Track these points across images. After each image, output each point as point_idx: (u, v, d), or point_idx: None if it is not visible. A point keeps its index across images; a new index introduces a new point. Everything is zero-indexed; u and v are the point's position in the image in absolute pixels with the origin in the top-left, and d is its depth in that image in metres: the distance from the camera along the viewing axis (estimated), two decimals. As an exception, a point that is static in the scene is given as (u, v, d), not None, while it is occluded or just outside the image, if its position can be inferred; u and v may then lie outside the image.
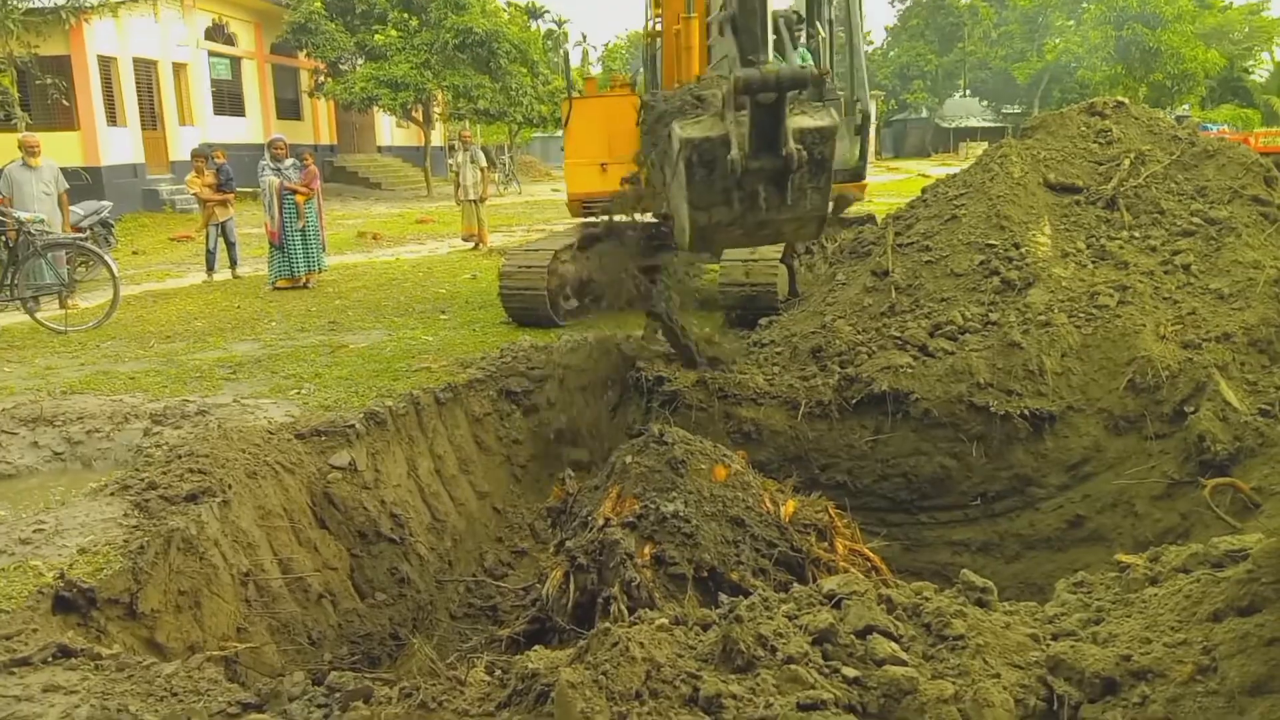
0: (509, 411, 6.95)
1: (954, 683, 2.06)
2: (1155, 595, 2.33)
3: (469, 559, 6.27)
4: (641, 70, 10.58)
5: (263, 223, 12.30)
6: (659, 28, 9.89)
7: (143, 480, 4.75)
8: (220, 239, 13.16)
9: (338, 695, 2.84)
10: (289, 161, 12.07)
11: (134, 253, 17.06)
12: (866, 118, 10.17)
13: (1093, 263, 6.46)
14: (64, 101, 20.76)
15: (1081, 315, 5.99)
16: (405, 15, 28.96)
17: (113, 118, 22.74)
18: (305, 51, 28.52)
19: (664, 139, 4.31)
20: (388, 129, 36.09)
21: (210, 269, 13.19)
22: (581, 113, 9.75)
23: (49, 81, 19.79)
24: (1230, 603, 2.03)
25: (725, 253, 8.86)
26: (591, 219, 9.85)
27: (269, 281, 12.04)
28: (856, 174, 10.17)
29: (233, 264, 13.37)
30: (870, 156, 10.84)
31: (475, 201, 15.59)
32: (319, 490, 5.48)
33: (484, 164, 15.93)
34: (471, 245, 15.87)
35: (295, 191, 11.85)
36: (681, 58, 9.38)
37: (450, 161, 16.45)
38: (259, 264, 12.97)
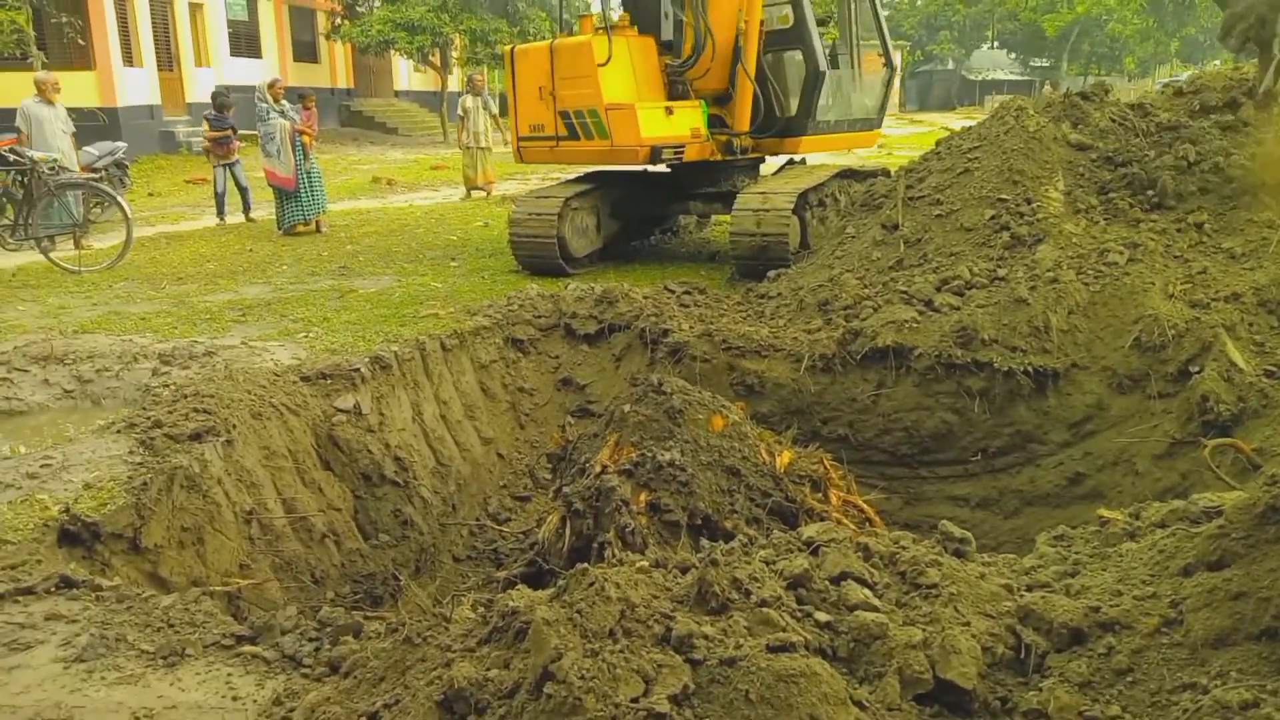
0: (515, 359, 6.99)
1: (923, 629, 2.10)
2: (1131, 550, 2.35)
3: (473, 503, 6.34)
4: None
5: (263, 169, 12.14)
6: None
7: (149, 419, 4.82)
8: (230, 182, 13.10)
9: (328, 629, 2.91)
10: (286, 104, 11.92)
11: (149, 194, 17.10)
12: (893, 70, 10.46)
13: (1104, 219, 6.39)
14: (80, 41, 20.64)
15: (1090, 272, 5.94)
16: (424, -43, 28.58)
17: (129, 58, 22.63)
18: (322, -7, 28.25)
19: None
20: (405, 73, 35.77)
21: (220, 213, 13.16)
22: (618, 50, 9.04)
23: (64, 20, 19.67)
24: (1200, 557, 2.05)
25: (737, 203, 8.80)
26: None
27: (280, 227, 12.00)
28: (874, 123, 10.42)
29: (246, 209, 13.32)
30: (891, 108, 11.18)
31: (485, 149, 15.42)
32: (324, 432, 5.54)
33: (495, 110, 15.76)
34: (483, 194, 15.72)
35: (304, 133, 11.76)
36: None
37: (460, 109, 16.04)
38: (272, 207, 12.96)
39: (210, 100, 13.66)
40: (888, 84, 10.59)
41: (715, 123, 9.67)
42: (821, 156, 11.28)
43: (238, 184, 13.10)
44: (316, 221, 12.06)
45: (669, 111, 9.13)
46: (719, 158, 9.67)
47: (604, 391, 6.73)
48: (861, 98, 10.28)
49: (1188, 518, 2.42)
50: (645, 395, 4.71)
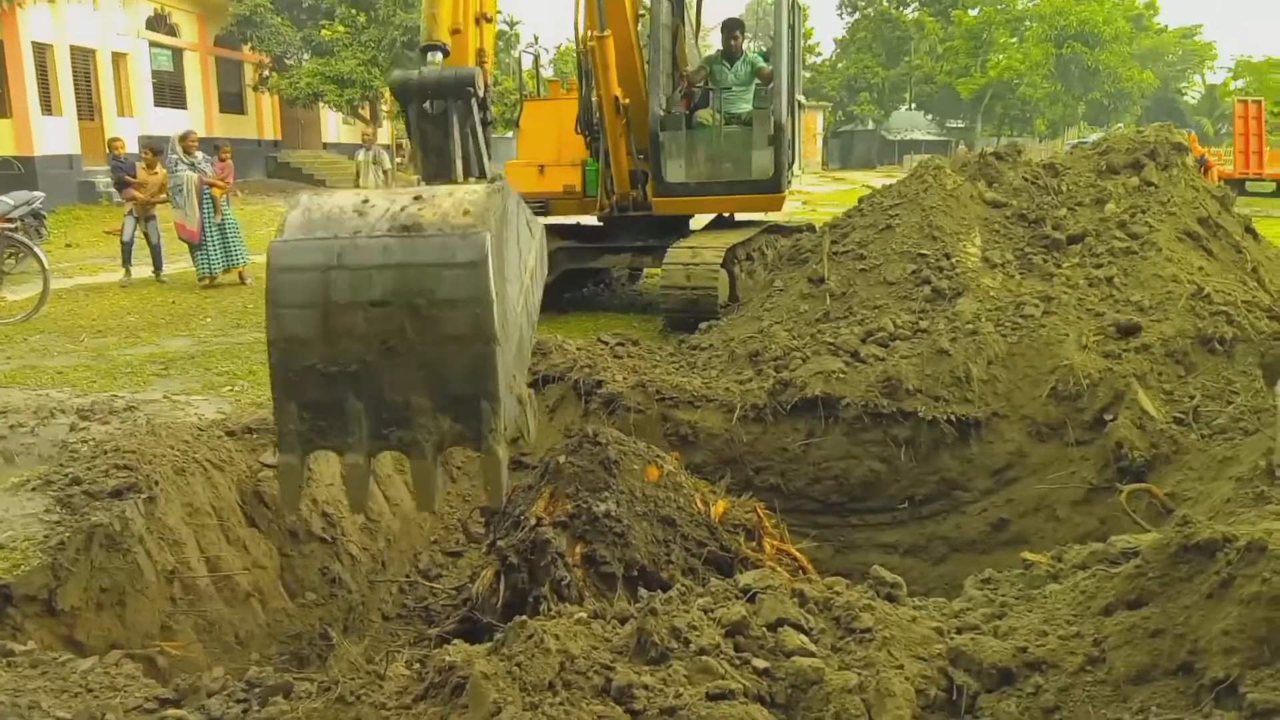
0: (447, 411, 6.92)
1: (859, 673, 2.13)
2: (1055, 591, 2.43)
3: (403, 559, 6.23)
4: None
5: (174, 223, 11.91)
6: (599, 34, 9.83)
7: (66, 475, 4.65)
8: (141, 235, 12.58)
9: (257, 690, 2.83)
10: (200, 155, 11.82)
11: (67, 245, 16.65)
12: (779, 127, 9.37)
13: (1020, 274, 6.65)
14: (-4, 89, 20.20)
15: (1008, 324, 6.16)
16: (353, 11, 28.65)
17: (48, 106, 22.15)
18: (250, 45, 28.09)
19: None
20: (334, 125, 35.62)
21: (126, 263, 12.48)
22: (531, 115, 9.84)
23: (-20, 67, 19.24)
24: (1120, 597, 2.13)
25: (668, 257, 8.95)
26: None
27: (199, 278, 11.78)
28: (772, 186, 9.66)
29: (157, 267, 12.62)
30: (796, 169, 10.57)
31: None
32: (249, 488, 5.41)
33: (387, 165, 15.75)
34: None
35: (212, 186, 11.62)
36: (598, 73, 9.27)
37: (356, 159, 15.71)
38: (185, 262, 12.55)
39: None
40: (778, 143, 9.36)
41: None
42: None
43: (148, 240, 12.60)
44: (240, 273, 11.87)
45: (540, 170, 10.09)
46: (599, 213, 10.27)
47: (538, 443, 6.70)
48: (749, 159, 9.60)
49: (1107, 559, 2.52)
50: (580, 446, 4.71)
